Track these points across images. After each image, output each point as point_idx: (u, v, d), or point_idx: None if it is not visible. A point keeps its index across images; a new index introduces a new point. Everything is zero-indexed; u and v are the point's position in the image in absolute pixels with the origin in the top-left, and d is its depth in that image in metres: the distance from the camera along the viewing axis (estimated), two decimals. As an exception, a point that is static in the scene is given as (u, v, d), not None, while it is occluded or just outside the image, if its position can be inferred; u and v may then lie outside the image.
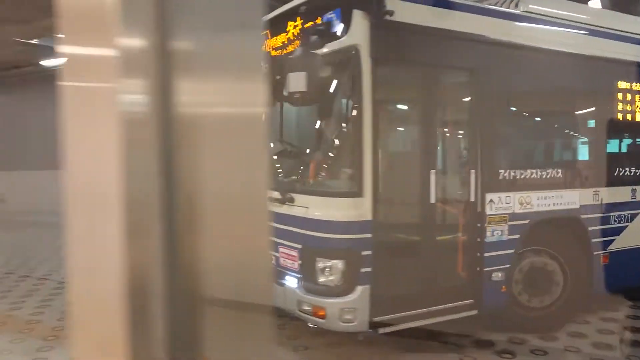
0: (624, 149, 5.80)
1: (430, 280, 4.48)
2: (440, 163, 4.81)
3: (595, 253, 5.27)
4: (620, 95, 5.51)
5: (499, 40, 4.64)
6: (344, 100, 4.34)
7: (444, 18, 4.39)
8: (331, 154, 4.49)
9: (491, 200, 4.63)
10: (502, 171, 4.75)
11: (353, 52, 3.96)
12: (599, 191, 5.28)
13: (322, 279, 4.09)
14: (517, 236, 4.76)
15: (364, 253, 4.03)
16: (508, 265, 4.73)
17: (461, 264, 4.63)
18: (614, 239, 5.38)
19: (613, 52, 5.27)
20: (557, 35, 5.09)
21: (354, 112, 4.03)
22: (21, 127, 15.02)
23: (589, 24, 5.30)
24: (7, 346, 4.85)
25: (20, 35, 11.04)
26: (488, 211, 4.59)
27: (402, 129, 5.33)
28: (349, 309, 4.02)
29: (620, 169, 5.54)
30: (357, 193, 4.02)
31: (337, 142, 4.42)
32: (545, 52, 4.90)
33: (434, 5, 4.40)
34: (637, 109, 5.57)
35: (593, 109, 5.61)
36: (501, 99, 4.94)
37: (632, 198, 5.54)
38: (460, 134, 5.04)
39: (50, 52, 12.36)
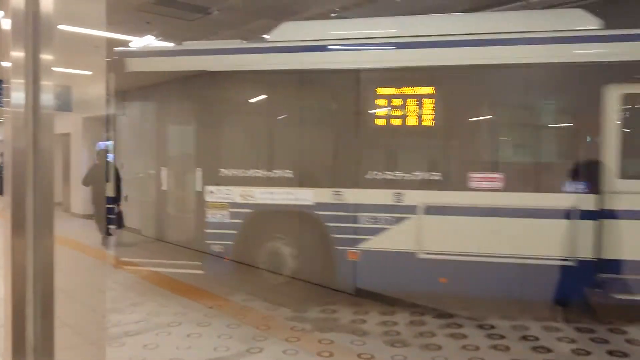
0: (382, 153, 6.12)
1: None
2: (179, 162, 7.03)
3: (337, 248, 5.87)
4: (349, 104, 6.13)
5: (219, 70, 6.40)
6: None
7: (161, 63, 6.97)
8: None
9: (211, 191, 6.25)
10: (222, 169, 6.25)
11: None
12: (340, 191, 5.86)
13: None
14: (239, 220, 6.17)
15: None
16: (230, 242, 6.19)
17: (193, 235, 6.55)
18: (367, 239, 5.77)
19: (328, 63, 6.02)
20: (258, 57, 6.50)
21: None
22: None
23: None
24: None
25: (231, 38, 11.64)
26: (208, 199, 6.25)
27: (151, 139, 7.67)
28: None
29: (377, 173, 5.79)
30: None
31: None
32: (269, 73, 6.28)
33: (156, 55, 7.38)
34: (381, 116, 5.93)
35: (324, 117, 6.39)
36: (222, 115, 6.63)
37: (395, 202, 5.71)
38: (192, 143, 6.83)
39: None
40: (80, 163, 13.48)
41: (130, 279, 7.27)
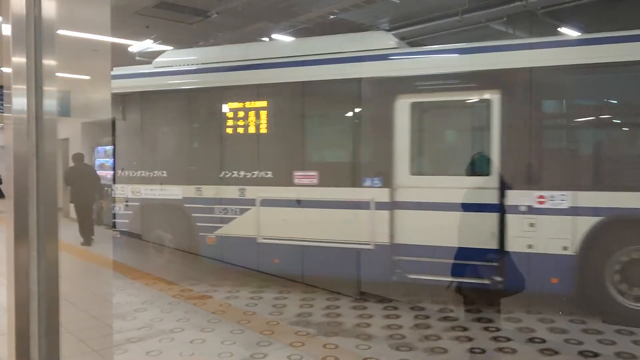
0: (230, 156, 7.42)
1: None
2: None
3: (200, 234, 7.39)
4: (206, 117, 7.85)
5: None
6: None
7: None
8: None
9: (114, 189, 8.19)
10: (120, 171, 8.07)
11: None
12: (201, 188, 7.41)
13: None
14: (131, 212, 7.98)
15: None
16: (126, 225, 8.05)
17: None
18: (220, 226, 7.29)
19: (192, 84, 7.78)
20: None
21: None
22: None
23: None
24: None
25: (231, 41, 11.97)
26: (114, 195, 8.17)
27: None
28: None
29: (226, 172, 7.25)
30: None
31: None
32: (157, 93, 7.92)
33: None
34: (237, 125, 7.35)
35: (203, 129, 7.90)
36: (127, 130, 8.29)
37: (239, 196, 7.14)
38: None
39: None
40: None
41: (132, 285, 7.25)
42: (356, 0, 9.40)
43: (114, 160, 10.59)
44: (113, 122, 10.31)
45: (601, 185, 5.58)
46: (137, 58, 13.91)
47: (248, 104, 7.27)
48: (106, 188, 12.05)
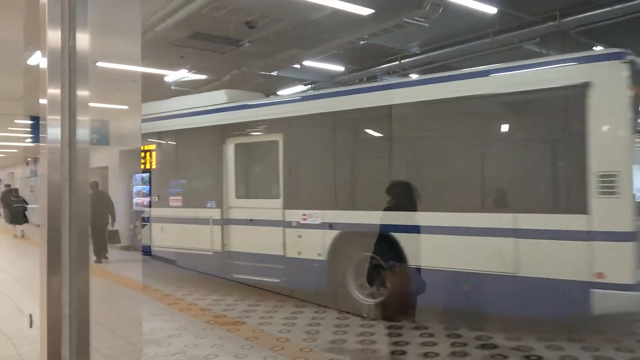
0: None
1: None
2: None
3: None
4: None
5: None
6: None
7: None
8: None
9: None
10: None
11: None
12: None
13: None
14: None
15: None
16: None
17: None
18: None
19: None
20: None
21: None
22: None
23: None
24: None
25: (263, 69, 12.79)
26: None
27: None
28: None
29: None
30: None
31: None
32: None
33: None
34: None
35: None
36: None
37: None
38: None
39: (284, 83, 14.90)
40: (118, 195, 13.82)
41: (166, 311, 7.31)
42: (386, 25, 9.47)
43: (150, 187, 11.28)
44: (148, 150, 10.77)
45: (339, 205, 7.24)
46: (173, 87, 14.33)
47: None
48: (143, 214, 12.47)
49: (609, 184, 5.20)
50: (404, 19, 8.96)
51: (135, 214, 13.43)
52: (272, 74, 13.46)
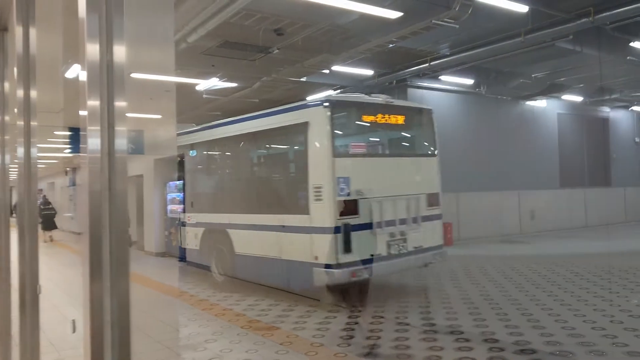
0: None
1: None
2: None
3: None
4: None
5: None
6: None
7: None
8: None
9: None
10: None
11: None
12: None
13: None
14: None
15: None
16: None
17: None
18: None
19: None
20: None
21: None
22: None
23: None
24: None
25: (292, 75, 12.98)
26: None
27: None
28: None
29: None
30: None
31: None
32: None
33: None
34: None
35: None
36: None
37: None
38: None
39: (314, 88, 15.01)
40: (154, 202, 14.09)
41: (201, 316, 7.41)
42: (415, 27, 9.41)
43: (184, 194, 11.56)
44: (181, 158, 11.01)
45: (202, 209, 10.29)
46: (205, 96, 14.55)
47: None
48: (177, 221, 12.76)
49: (318, 193, 7.31)
50: (432, 21, 8.89)
51: (170, 221, 13.69)
52: (301, 79, 13.53)
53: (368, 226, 7.52)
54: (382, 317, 7.01)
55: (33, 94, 2.35)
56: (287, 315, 7.23)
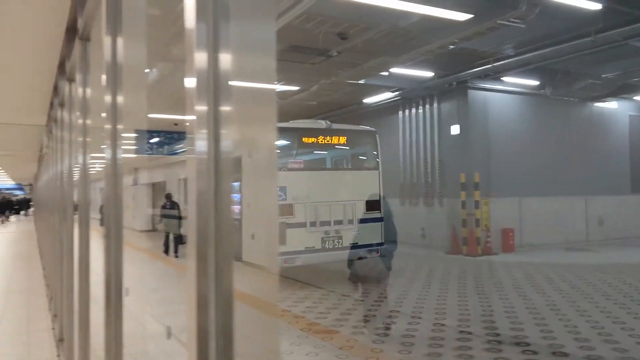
0: None
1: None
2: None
3: None
4: None
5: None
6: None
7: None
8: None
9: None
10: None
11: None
12: None
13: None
14: None
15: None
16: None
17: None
18: None
19: None
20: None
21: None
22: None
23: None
24: None
25: (351, 77, 13.12)
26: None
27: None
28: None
29: None
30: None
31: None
32: None
33: None
34: None
35: None
36: None
37: None
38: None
39: (372, 90, 15.16)
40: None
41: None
42: (479, 28, 9.18)
43: (241, 196, 12.04)
44: (237, 160, 11.38)
45: None
46: (264, 99, 14.82)
47: None
48: (235, 222, 13.16)
49: None
50: (498, 21, 8.65)
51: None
52: (360, 82, 13.51)
53: (303, 225, 9.49)
54: (443, 325, 6.88)
55: (120, 99, 2.46)
56: (346, 319, 7.22)
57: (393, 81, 14.04)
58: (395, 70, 12.35)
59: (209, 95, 1.09)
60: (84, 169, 3.86)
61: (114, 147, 2.46)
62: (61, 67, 6.12)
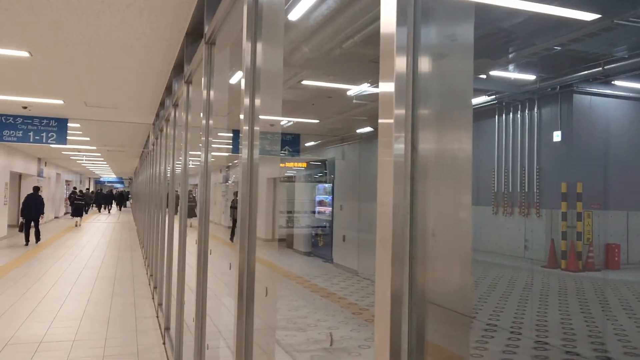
0: None
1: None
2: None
3: None
4: None
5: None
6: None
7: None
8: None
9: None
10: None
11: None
12: None
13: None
14: None
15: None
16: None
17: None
18: None
19: None
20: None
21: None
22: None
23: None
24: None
25: None
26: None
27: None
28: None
29: None
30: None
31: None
32: None
33: None
34: None
35: None
36: None
37: None
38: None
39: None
40: (303, 203, 14.77)
41: (353, 320, 7.53)
42: (591, 28, 8.62)
43: (332, 197, 11.98)
44: (331, 162, 11.32)
45: None
46: (355, 101, 14.86)
47: None
48: (325, 224, 13.21)
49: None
50: (614, 21, 8.07)
51: (317, 222, 14.19)
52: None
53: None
54: (546, 344, 6.52)
55: (257, 102, 2.55)
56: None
57: (491, 84, 13.55)
58: (494, 73, 11.90)
59: (408, 99, 1.09)
60: (205, 167, 4.06)
61: (251, 147, 2.55)
62: (176, 69, 6.49)
